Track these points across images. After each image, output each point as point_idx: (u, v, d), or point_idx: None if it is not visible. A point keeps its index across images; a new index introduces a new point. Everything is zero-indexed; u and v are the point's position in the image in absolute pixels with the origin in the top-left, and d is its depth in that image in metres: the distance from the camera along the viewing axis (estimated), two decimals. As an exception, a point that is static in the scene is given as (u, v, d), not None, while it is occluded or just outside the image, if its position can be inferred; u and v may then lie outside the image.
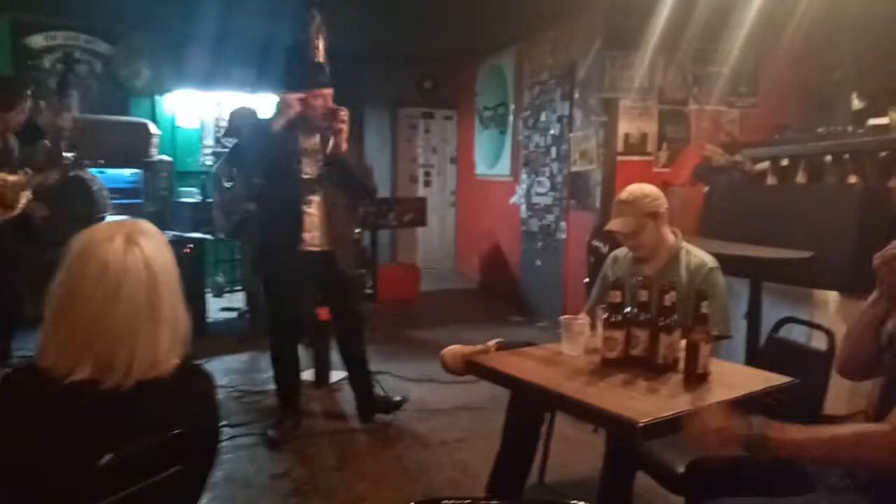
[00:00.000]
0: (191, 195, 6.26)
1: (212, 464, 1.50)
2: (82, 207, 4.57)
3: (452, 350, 2.69)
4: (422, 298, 7.00)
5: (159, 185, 6.05)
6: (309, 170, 3.41)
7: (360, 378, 3.81)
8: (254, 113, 5.35)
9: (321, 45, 4.23)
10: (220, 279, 6.77)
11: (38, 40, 5.97)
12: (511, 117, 6.90)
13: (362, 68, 7.36)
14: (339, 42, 4.39)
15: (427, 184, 8.52)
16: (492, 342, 2.67)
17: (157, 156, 6.03)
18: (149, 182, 5.98)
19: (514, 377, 2.14)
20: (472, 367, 2.34)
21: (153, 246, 1.33)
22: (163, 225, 5.75)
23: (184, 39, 6.03)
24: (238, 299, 6.30)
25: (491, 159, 7.45)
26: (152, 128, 6.03)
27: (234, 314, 6.05)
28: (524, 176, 6.62)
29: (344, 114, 3.34)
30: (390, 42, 6.66)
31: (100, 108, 6.05)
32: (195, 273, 5.34)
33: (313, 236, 3.44)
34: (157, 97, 6.61)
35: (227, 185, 5.12)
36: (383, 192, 7.62)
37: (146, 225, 1.37)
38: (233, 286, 6.80)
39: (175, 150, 6.67)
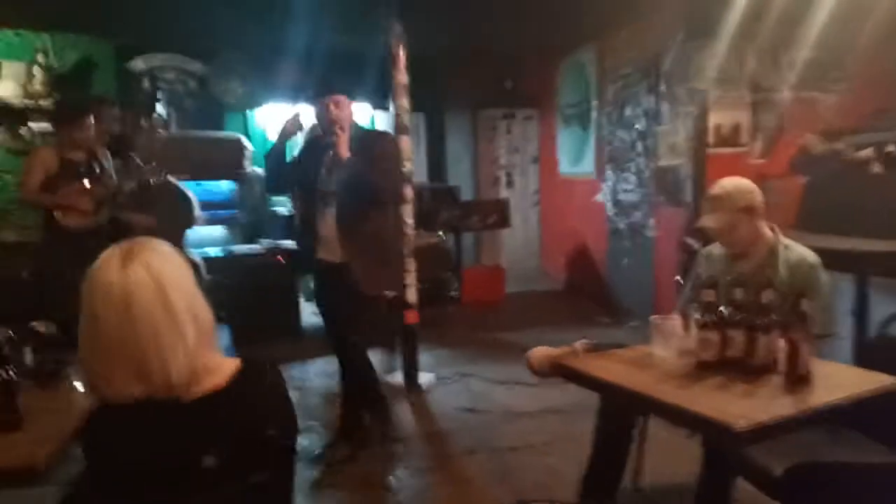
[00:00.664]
0: (283, 205, 6.51)
1: (292, 464, 1.53)
2: (177, 218, 4.82)
3: (539, 352, 2.67)
4: (507, 300, 6.98)
5: (253, 196, 6.31)
6: (326, 182, 3.34)
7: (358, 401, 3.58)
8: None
9: (401, 53, 4.28)
10: (312, 285, 6.98)
11: (138, 63, 6.34)
12: (594, 113, 6.78)
13: (442, 71, 7.42)
14: (418, 46, 4.45)
15: (509, 185, 8.48)
16: (579, 344, 2.62)
17: (250, 168, 6.29)
18: (243, 194, 6.25)
19: (603, 380, 2.11)
20: (559, 370, 2.32)
21: (155, 257, 1.36)
22: (257, 234, 6.02)
23: (273, 55, 6.25)
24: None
25: (574, 157, 7.34)
26: (245, 142, 6.29)
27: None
28: (609, 173, 6.49)
29: (339, 122, 3.21)
30: (470, 44, 6.68)
31: (196, 125, 6.38)
32: (288, 279, 5.54)
33: (328, 249, 3.32)
34: (249, 112, 6.90)
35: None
36: (466, 194, 7.64)
37: (145, 240, 1.40)
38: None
39: (267, 162, 6.94)
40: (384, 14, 4.28)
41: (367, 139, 3.35)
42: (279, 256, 5.47)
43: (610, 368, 2.16)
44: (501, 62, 7.76)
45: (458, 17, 5.67)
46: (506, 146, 8.48)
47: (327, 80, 3.43)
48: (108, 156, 4.29)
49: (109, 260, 1.34)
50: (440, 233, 6.58)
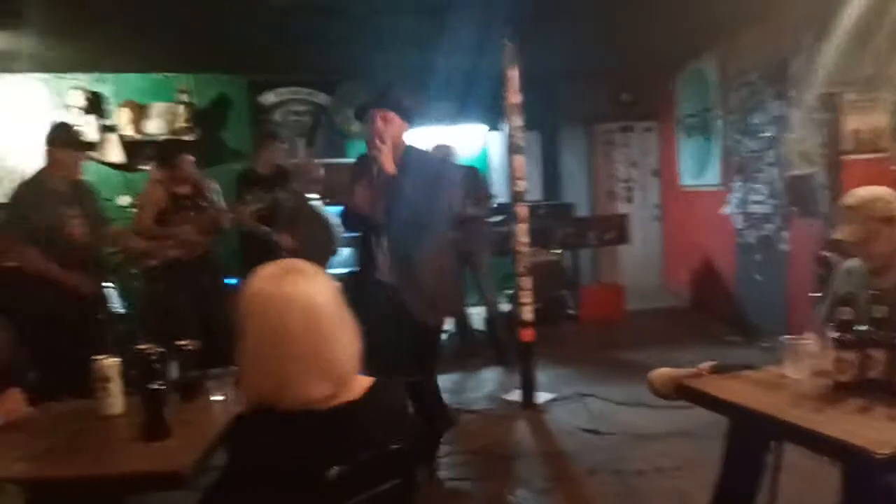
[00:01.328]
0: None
1: (414, 478, 1.59)
2: (322, 240, 5.07)
3: (661, 373, 2.57)
4: (627, 318, 6.79)
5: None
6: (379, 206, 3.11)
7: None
8: (449, 149, 5.51)
9: (515, 74, 4.32)
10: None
11: (269, 97, 6.80)
12: (717, 122, 6.50)
13: (556, 87, 7.39)
14: (532, 65, 4.47)
15: (628, 199, 8.28)
16: (705, 364, 2.51)
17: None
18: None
19: (731, 403, 2.01)
20: (683, 392, 2.23)
21: (313, 277, 1.49)
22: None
23: (391, 81, 6.49)
24: (449, 320, 6.57)
25: (697, 168, 7.06)
26: (365, 166, 6.55)
27: (443, 335, 6.31)
28: (737, 184, 6.18)
29: (381, 136, 3.00)
30: (584, 58, 6.62)
31: (321, 153, 6.73)
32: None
33: (382, 273, 3.10)
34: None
35: None
36: (582, 210, 7.53)
37: (298, 262, 1.53)
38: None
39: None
40: (498, 36, 4.33)
41: (421, 161, 3.13)
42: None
43: (738, 390, 2.06)
44: (617, 75, 7.63)
45: (572, 36, 5.65)
46: (624, 160, 8.30)
47: (382, 95, 3.18)
48: (215, 187, 4.59)
49: (282, 276, 1.45)
50: (556, 250, 6.52)
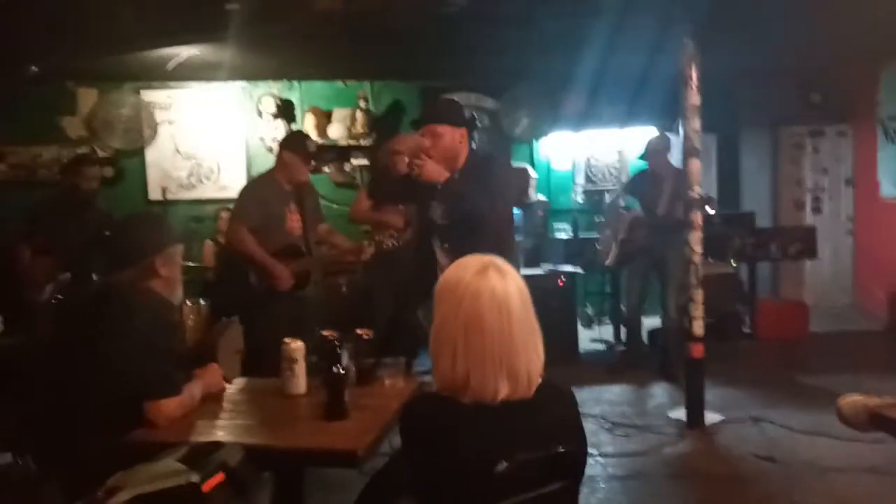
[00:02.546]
0: (563, 231, 6.66)
1: (579, 482, 1.57)
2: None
3: (853, 400, 2.33)
4: (811, 339, 6.22)
5: (535, 222, 6.55)
6: (434, 211, 3.20)
7: None
8: (667, 141, 5.35)
9: (694, 73, 4.12)
10: (590, 311, 6.99)
11: (439, 103, 7.02)
12: (928, 127, 5.79)
13: (737, 88, 6.95)
14: (710, 62, 4.24)
15: (816, 210, 7.58)
16: (909, 394, 2.24)
17: (534, 196, 6.54)
18: (527, 220, 6.51)
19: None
20: (878, 423, 2.01)
21: (512, 271, 1.52)
22: (538, 259, 6.21)
23: (559, 84, 6.46)
24: (607, 331, 6.42)
25: (900, 178, 6.33)
26: (531, 171, 6.58)
27: (603, 346, 6.18)
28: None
29: (425, 152, 3.05)
30: (768, 55, 6.16)
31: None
32: (567, 304, 5.61)
33: None
34: (534, 142, 7.21)
35: (624, 211, 5.29)
36: (762, 220, 7.01)
37: (495, 258, 1.54)
38: (601, 318, 6.96)
39: (549, 189, 7.16)
40: (677, 34, 4.15)
41: (479, 166, 3.14)
42: (560, 280, 5.58)
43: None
44: (806, 74, 7.02)
45: (755, 32, 5.28)
46: (812, 167, 7.61)
47: (424, 111, 3.32)
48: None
49: (485, 270, 1.49)
50: (732, 262, 6.13)
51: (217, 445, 1.44)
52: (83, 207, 4.66)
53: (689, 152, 4.19)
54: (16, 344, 3.80)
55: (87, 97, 6.40)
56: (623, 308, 5.66)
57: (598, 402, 4.61)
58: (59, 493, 2.08)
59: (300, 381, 2.27)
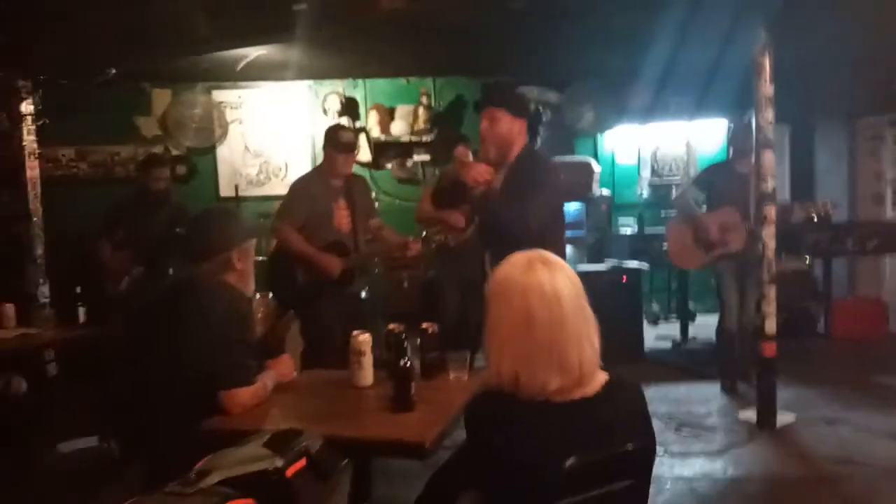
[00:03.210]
0: (628, 226, 6.54)
1: (648, 481, 1.54)
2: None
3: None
4: (889, 339, 5.94)
5: (599, 217, 6.46)
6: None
7: None
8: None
9: (766, 62, 3.99)
10: (656, 308, 6.85)
11: (501, 98, 7.00)
12: None
13: (812, 77, 6.67)
14: (784, 51, 4.09)
15: (897, 204, 7.21)
16: None
17: (597, 190, 6.45)
18: (590, 215, 6.43)
19: None
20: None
21: (561, 263, 1.51)
22: (601, 254, 6.13)
23: (625, 78, 6.35)
24: (673, 329, 6.28)
25: None
26: (594, 165, 6.49)
27: (668, 343, 6.05)
28: None
29: (485, 138, 2.89)
30: (847, 44, 5.89)
31: (549, 150, 6.77)
32: (631, 301, 5.53)
33: None
34: (598, 135, 7.10)
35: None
36: (839, 215, 6.71)
37: (544, 252, 1.54)
38: (667, 315, 6.82)
39: (614, 183, 7.05)
40: (749, 23, 4.02)
41: (529, 168, 2.90)
42: (624, 276, 5.49)
43: None
44: (887, 62, 6.67)
45: (833, 20, 5.06)
46: (893, 159, 7.25)
47: (487, 92, 3.01)
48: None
49: (532, 265, 1.50)
50: (806, 258, 5.90)
51: (298, 432, 1.49)
52: (157, 204, 4.86)
53: (761, 144, 4.06)
54: (97, 333, 3.99)
55: (162, 98, 6.65)
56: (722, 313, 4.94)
57: (664, 400, 4.53)
58: (139, 476, 2.19)
59: (367, 373, 2.32)
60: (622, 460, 1.50)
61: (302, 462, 1.38)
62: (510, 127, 2.89)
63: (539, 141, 6.42)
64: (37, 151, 5.52)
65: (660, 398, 4.54)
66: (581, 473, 1.43)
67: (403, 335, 2.23)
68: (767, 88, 4.00)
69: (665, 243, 5.24)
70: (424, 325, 2.36)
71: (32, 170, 5.46)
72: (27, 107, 5.41)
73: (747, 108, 4.56)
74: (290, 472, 1.33)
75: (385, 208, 6.78)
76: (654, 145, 7.17)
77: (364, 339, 2.31)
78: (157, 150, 6.37)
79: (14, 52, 4.86)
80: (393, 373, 2.09)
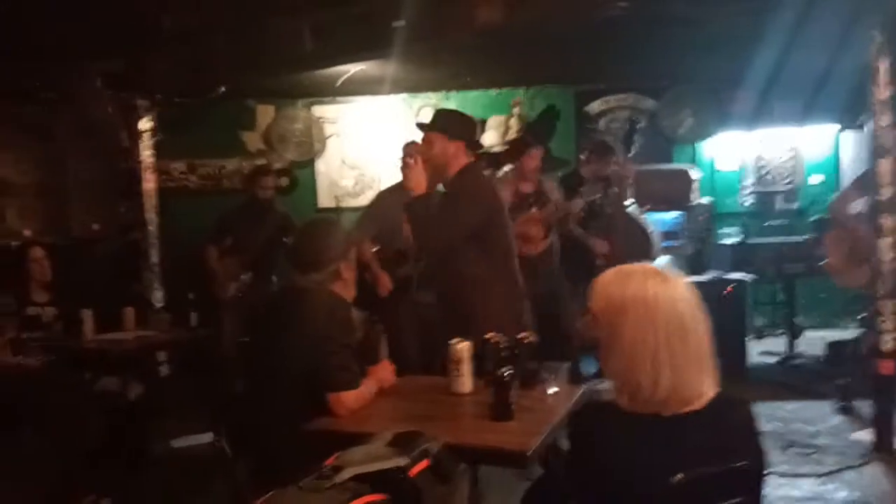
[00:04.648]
0: (730, 236, 6.30)
1: (758, 499, 1.49)
2: (639, 247, 5.02)
3: None
4: None
5: (698, 226, 6.25)
6: None
7: None
8: None
9: (882, 66, 3.77)
10: (760, 322, 6.56)
11: (595, 106, 6.91)
12: None
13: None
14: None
15: None
16: None
17: (697, 199, 6.25)
18: (688, 224, 6.24)
19: None
20: None
21: (674, 281, 1.50)
22: (701, 266, 5.93)
23: (727, 83, 6.14)
24: (778, 344, 5.99)
25: None
26: (693, 173, 6.30)
27: (774, 359, 5.78)
28: None
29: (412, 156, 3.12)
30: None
31: (646, 159, 6.62)
32: (735, 314, 5.30)
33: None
34: (697, 143, 6.89)
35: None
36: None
37: (656, 265, 1.55)
38: (773, 329, 6.51)
39: (714, 192, 6.81)
40: (864, 26, 3.82)
41: (455, 183, 3.08)
42: (727, 288, 5.29)
43: None
44: None
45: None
46: None
47: (432, 117, 3.25)
48: (554, 187, 4.78)
49: (637, 276, 1.50)
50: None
51: (419, 434, 1.53)
52: (264, 212, 5.10)
53: (877, 151, 3.84)
54: (209, 335, 4.23)
55: (265, 113, 6.97)
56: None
57: (771, 418, 4.32)
58: (246, 472, 2.30)
59: (466, 381, 2.34)
60: (732, 477, 1.45)
61: (425, 463, 1.42)
62: (444, 148, 3.04)
63: (633, 150, 6.30)
64: (153, 165, 5.92)
65: (766, 416, 4.33)
66: (689, 490, 1.40)
67: (502, 344, 2.25)
68: (883, 93, 3.79)
69: (826, 258, 4.70)
70: (521, 335, 2.36)
71: (149, 182, 5.86)
72: (145, 124, 5.82)
73: (860, 114, 4.33)
74: (413, 471, 1.37)
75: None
76: (758, 152, 6.88)
77: (463, 346, 2.34)
78: (261, 163, 6.69)
79: (134, 74, 5.24)
80: (492, 381, 2.11)
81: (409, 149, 3.79)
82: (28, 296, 3.98)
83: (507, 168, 5.07)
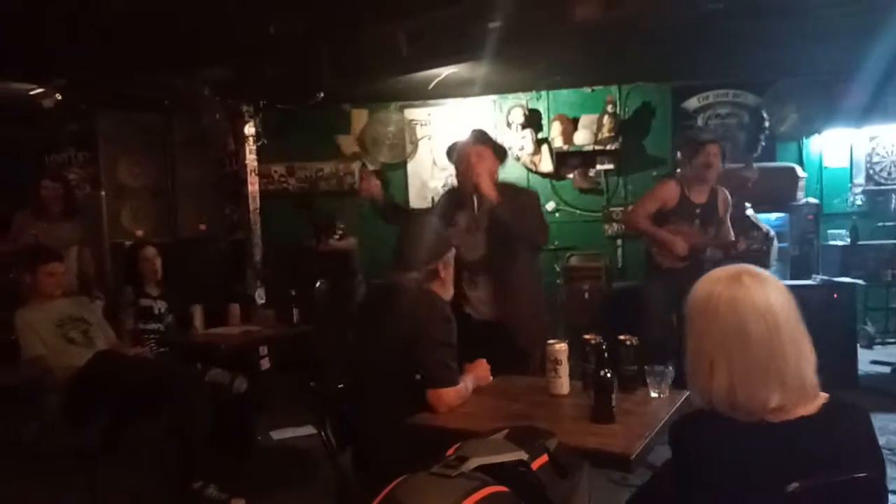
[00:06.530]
0: (839, 238, 5.97)
1: None
2: (760, 251, 4.80)
3: None
4: None
5: (804, 227, 5.95)
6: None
7: None
8: None
9: None
10: (870, 329, 6.17)
11: (692, 102, 6.69)
12: None
13: None
14: None
15: None
16: None
17: (802, 198, 5.96)
18: (793, 225, 5.94)
19: None
20: None
21: (767, 281, 1.45)
22: (808, 268, 5.65)
23: (835, 76, 5.82)
24: (891, 353, 5.62)
25: None
26: (799, 171, 6.00)
27: (887, 368, 5.42)
28: None
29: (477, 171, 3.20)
30: None
31: (746, 156, 6.35)
32: (843, 320, 5.03)
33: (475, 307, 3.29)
34: (804, 140, 6.56)
35: None
36: None
37: (750, 266, 1.49)
38: (884, 337, 6.11)
39: (822, 191, 6.47)
40: None
41: (511, 193, 3.30)
42: (835, 293, 5.01)
43: None
44: None
45: None
46: None
47: (477, 134, 3.44)
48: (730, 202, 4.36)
49: (731, 277, 1.47)
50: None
51: (536, 429, 1.55)
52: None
53: None
54: (309, 331, 4.39)
55: (360, 117, 7.15)
56: None
57: (884, 431, 4.07)
58: (349, 463, 2.38)
59: (564, 382, 2.33)
60: (851, 489, 1.39)
61: (544, 458, 1.43)
62: (495, 163, 3.33)
63: (731, 147, 6.06)
64: (256, 169, 6.21)
65: (879, 428, 4.04)
66: (803, 500, 1.35)
67: (603, 345, 2.23)
68: None
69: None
70: (623, 337, 2.33)
71: (253, 185, 6.15)
72: (249, 129, 6.12)
73: None
74: (534, 465, 1.39)
75: (566, 218, 6.79)
76: (869, 149, 6.47)
77: (560, 347, 2.33)
78: (356, 166, 6.86)
79: (240, 81, 5.51)
80: (593, 383, 2.09)
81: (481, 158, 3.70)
82: (142, 290, 4.24)
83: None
